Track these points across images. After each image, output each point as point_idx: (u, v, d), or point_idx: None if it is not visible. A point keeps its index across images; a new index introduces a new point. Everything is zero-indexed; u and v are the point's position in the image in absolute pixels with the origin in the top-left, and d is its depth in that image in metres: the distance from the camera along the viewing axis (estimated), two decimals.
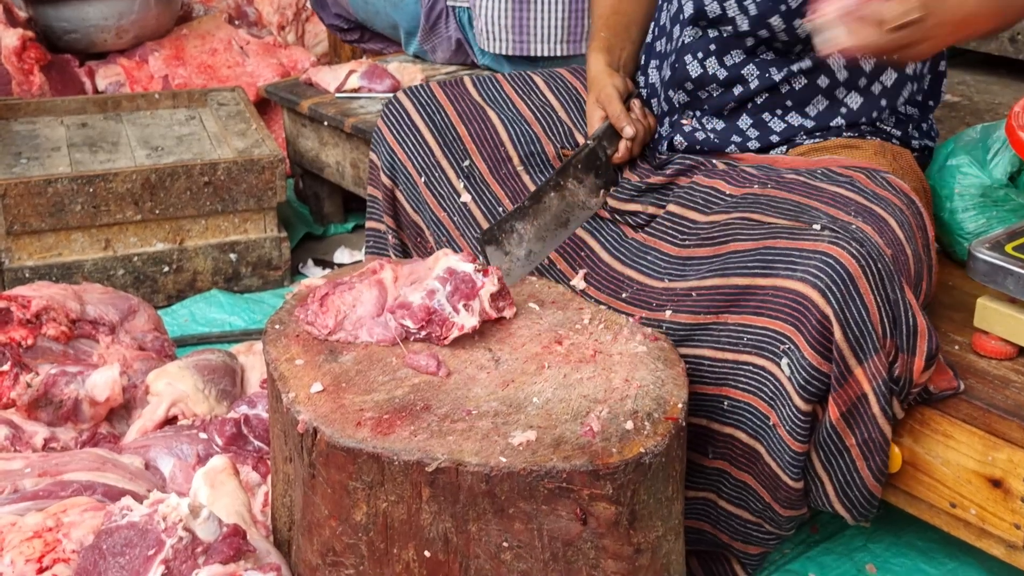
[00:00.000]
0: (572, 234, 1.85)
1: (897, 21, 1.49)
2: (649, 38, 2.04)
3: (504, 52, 3.00)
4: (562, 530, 1.37)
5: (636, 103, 1.95)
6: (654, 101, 2.00)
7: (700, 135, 1.89)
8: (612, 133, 1.89)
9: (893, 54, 1.56)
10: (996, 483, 1.63)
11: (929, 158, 2.00)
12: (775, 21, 1.76)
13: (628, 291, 1.74)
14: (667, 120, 1.95)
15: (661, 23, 1.98)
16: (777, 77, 1.82)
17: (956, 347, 1.79)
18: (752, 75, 1.84)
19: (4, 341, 2.11)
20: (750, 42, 1.81)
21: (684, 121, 1.92)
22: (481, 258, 1.62)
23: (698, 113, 1.91)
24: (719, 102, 1.88)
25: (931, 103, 1.96)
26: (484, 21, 2.99)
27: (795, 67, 1.81)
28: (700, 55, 1.86)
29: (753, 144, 1.87)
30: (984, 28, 1.68)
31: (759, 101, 1.85)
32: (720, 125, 1.89)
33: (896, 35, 1.50)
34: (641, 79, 2.04)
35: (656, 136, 1.97)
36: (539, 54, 2.98)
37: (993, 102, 2.81)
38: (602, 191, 1.71)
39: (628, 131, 1.88)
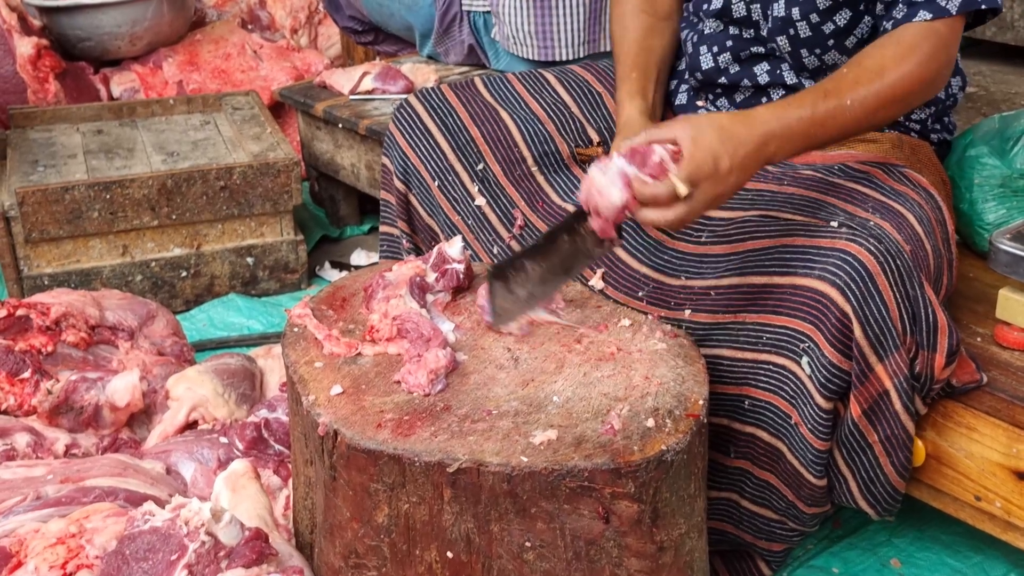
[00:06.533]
0: None
1: (666, 198, 1.47)
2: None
3: (531, 57, 3.01)
4: (584, 529, 1.37)
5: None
6: (672, 82, 2.00)
7: None
8: None
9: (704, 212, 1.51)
10: (1021, 475, 1.62)
11: (947, 151, 1.99)
12: (801, 25, 1.75)
13: (645, 289, 1.73)
14: (683, 95, 1.95)
15: (685, 14, 1.97)
16: (788, 78, 1.81)
17: (978, 339, 1.78)
18: (763, 71, 1.83)
19: (24, 348, 2.11)
20: (768, 47, 1.81)
21: (699, 103, 1.92)
22: (484, 291, 1.59)
23: (711, 96, 1.91)
24: (732, 90, 1.88)
25: (950, 100, 1.94)
26: (509, 27, 3.00)
27: (809, 69, 1.80)
28: (715, 49, 1.85)
29: None
30: (784, 156, 1.58)
31: (774, 97, 1.84)
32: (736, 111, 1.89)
33: (680, 211, 1.47)
34: None
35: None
36: (564, 58, 2.99)
37: (1010, 92, 2.79)
38: (606, 242, 1.64)
39: None
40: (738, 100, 1.88)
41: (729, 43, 1.84)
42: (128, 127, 3.36)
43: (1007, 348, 1.75)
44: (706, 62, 1.86)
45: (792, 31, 1.76)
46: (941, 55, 1.62)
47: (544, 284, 1.59)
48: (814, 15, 1.73)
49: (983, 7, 1.61)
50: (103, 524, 1.55)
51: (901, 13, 1.63)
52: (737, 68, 1.84)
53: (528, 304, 1.59)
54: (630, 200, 1.48)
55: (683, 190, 1.45)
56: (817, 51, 1.77)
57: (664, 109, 1.96)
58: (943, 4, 1.60)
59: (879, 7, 1.70)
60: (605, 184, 1.48)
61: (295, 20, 4.33)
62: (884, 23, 1.67)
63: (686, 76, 1.95)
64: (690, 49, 1.90)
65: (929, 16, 1.61)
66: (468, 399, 1.46)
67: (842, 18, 1.73)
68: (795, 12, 1.74)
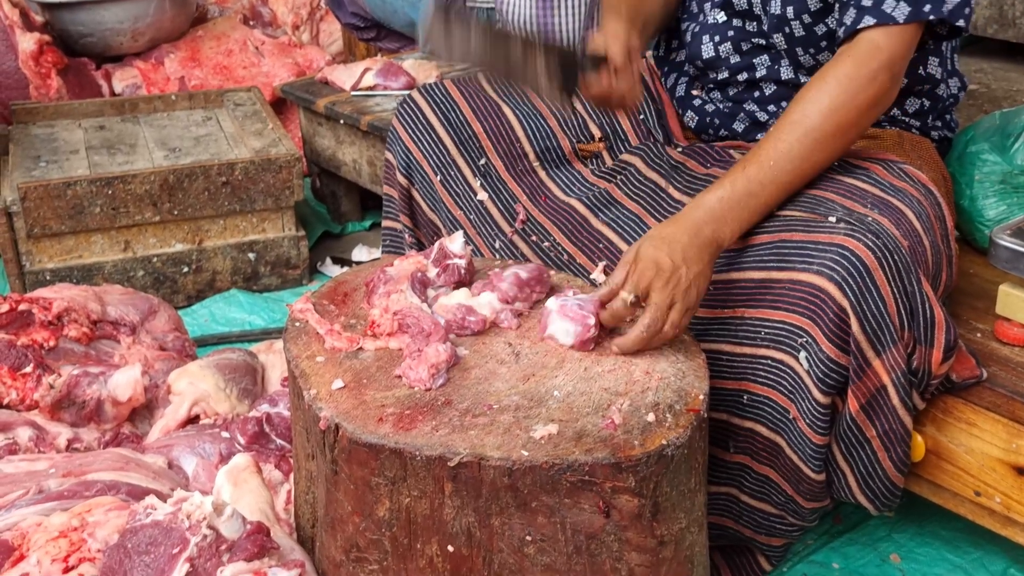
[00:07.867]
0: (590, 226, 1.85)
1: (624, 311, 1.52)
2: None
3: None
4: (585, 523, 1.37)
5: (640, 63, 1.83)
6: (672, 76, 2.00)
7: (709, 107, 1.89)
8: (601, 63, 1.76)
9: (677, 324, 1.52)
10: (1021, 471, 1.62)
11: (948, 148, 1.99)
12: (795, 24, 1.75)
13: None
14: (681, 87, 1.96)
15: (688, 5, 1.97)
16: (785, 73, 1.81)
17: (978, 335, 1.78)
18: (762, 64, 1.83)
19: (27, 343, 2.12)
20: (769, 40, 1.81)
21: (695, 91, 1.92)
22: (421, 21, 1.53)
23: (710, 85, 1.91)
24: (726, 84, 1.88)
25: (950, 100, 1.93)
26: (512, 24, 3.00)
27: (806, 67, 1.80)
28: (717, 38, 1.85)
29: (762, 116, 1.86)
30: (728, 241, 1.59)
31: (767, 92, 1.84)
32: (730, 103, 1.89)
33: (648, 317, 1.50)
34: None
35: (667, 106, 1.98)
36: None
37: (1011, 89, 2.78)
38: (558, 91, 1.59)
39: (616, 57, 1.73)
40: (731, 93, 1.88)
41: (731, 33, 1.84)
42: (130, 123, 3.36)
43: (1007, 344, 1.75)
44: (707, 51, 1.87)
45: (788, 29, 1.76)
46: (882, 75, 1.60)
47: (484, 53, 1.56)
48: (806, 16, 1.74)
49: (932, 18, 1.59)
50: (105, 518, 1.56)
51: (850, 19, 1.63)
52: (738, 58, 1.84)
53: (461, 57, 1.57)
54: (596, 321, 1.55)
55: (628, 296, 1.52)
56: (811, 51, 1.77)
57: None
58: (889, 11, 1.59)
59: (837, 13, 1.70)
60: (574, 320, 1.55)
61: (297, 16, 4.33)
62: (838, 30, 1.67)
63: (685, 67, 1.95)
64: (689, 39, 1.91)
65: (873, 21, 1.60)
66: (469, 394, 1.47)
67: (834, 20, 1.73)
68: (790, 11, 1.74)
